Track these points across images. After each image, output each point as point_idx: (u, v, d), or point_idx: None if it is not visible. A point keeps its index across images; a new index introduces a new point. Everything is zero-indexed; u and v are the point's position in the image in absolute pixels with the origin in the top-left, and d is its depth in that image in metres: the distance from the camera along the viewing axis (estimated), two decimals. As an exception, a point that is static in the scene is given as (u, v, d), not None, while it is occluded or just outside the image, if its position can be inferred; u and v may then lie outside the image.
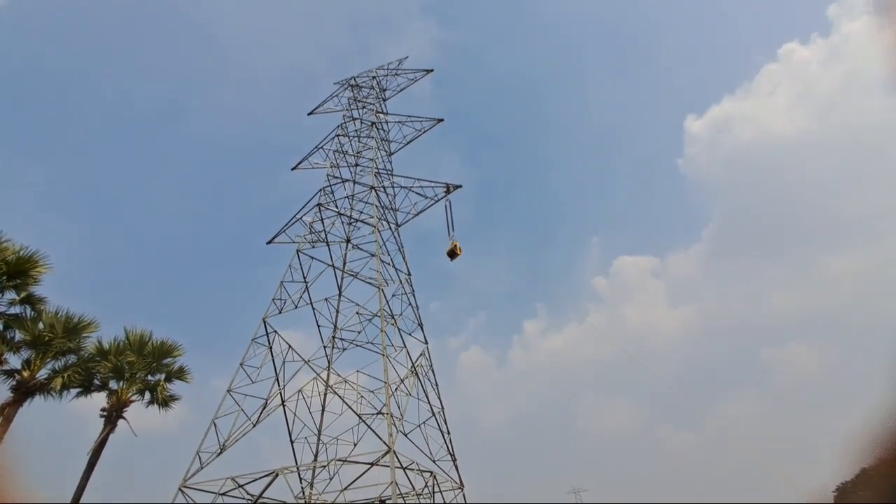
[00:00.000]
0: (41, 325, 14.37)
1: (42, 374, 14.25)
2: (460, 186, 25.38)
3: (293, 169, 27.74)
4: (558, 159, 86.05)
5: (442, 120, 29.23)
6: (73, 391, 14.94)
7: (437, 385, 19.65)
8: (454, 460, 17.84)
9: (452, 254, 24.43)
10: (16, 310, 14.47)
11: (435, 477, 16.50)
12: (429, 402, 18.53)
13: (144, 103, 68.83)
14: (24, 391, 13.81)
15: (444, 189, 25.20)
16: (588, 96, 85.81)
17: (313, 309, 21.82)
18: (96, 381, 15.05)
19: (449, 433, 18.45)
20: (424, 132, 29.28)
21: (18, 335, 14.29)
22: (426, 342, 20.63)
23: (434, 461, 17.28)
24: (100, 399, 15.40)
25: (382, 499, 14.76)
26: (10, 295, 14.33)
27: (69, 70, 62.32)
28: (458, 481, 17.27)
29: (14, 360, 14.34)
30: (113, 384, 15.11)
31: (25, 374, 13.91)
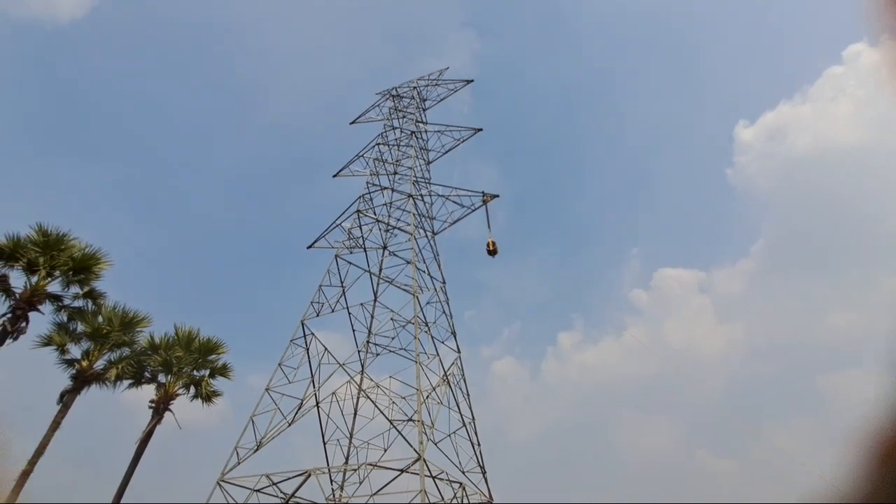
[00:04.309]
0: (100, 319, 15.36)
1: (98, 364, 15.22)
2: (497, 196, 25.37)
3: (334, 176, 28.55)
4: (597, 167, 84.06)
5: (480, 129, 29.39)
6: (126, 382, 15.86)
7: (468, 395, 19.56)
8: (484, 473, 17.64)
9: (493, 251, 24.65)
10: (78, 303, 15.58)
11: (464, 488, 16.36)
12: (459, 412, 18.45)
13: (199, 113, 72.97)
14: (83, 380, 14.78)
15: (482, 199, 25.26)
16: (631, 101, 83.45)
17: (349, 313, 22.26)
18: (146, 374, 15.91)
19: (479, 444, 18.29)
20: (463, 141, 29.51)
21: (80, 327, 15.35)
22: (459, 351, 20.61)
23: (463, 472, 17.15)
24: (143, 391, 16.27)
25: (411, 506, 14.76)
26: (74, 289, 15.46)
27: (130, 82, 67.07)
28: (487, 494, 17.05)
29: (74, 351, 15.43)
30: (161, 377, 15.91)
31: (84, 363, 14.89)
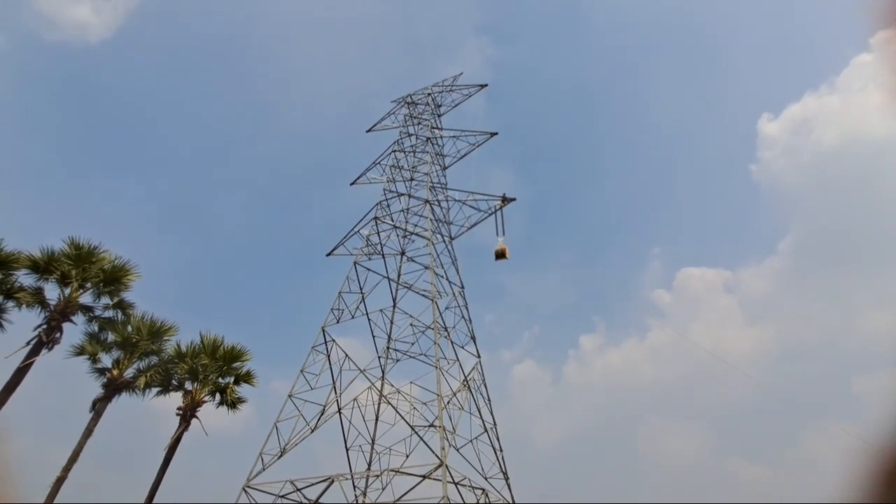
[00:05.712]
0: (129, 329, 15.82)
1: (128, 373, 15.66)
2: (514, 199, 25.25)
3: (352, 184, 28.87)
4: (616, 167, 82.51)
5: (496, 133, 29.36)
6: (154, 390, 16.26)
7: (489, 400, 19.43)
8: (507, 478, 17.46)
9: (501, 255, 24.47)
10: (109, 314, 16.08)
11: (487, 494, 16.21)
12: (481, 417, 18.33)
13: (221, 124, 75.05)
14: (113, 388, 15.21)
15: (498, 202, 25.18)
16: (649, 97, 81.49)
17: (369, 319, 22.41)
18: (174, 382, 16.28)
19: (501, 450, 18.12)
20: (478, 146, 29.53)
21: (110, 337, 15.83)
22: (479, 356, 20.53)
23: (486, 478, 17.01)
24: (171, 399, 16.61)
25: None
26: (105, 300, 15.96)
27: (158, 96, 69.49)
28: (510, 501, 16.85)
29: (105, 360, 15.91)
30: (188, 385, 16.26)
31: (115, 372, 15.33)
